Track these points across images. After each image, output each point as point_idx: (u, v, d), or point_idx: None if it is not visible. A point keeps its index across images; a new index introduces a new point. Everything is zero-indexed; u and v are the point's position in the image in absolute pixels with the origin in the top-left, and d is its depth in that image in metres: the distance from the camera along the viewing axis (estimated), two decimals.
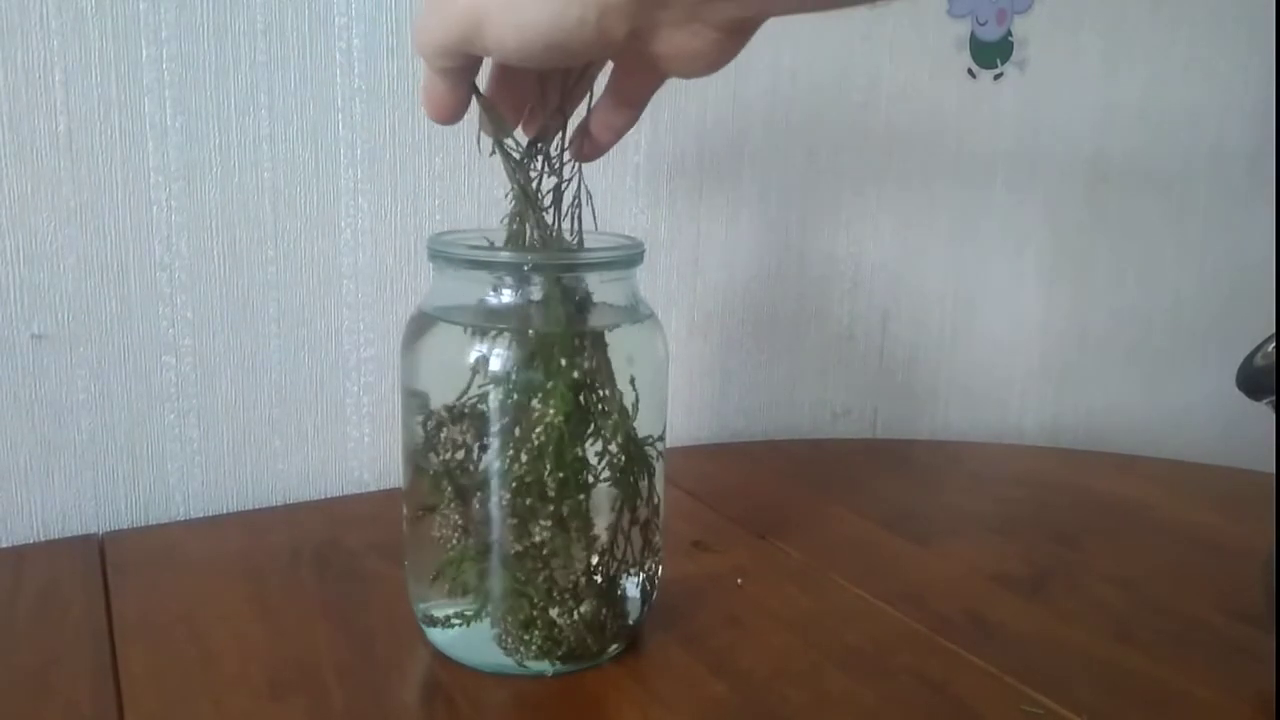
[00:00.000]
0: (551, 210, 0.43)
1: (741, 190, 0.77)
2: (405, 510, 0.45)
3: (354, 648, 0.45)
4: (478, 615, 0.42)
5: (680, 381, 0.76)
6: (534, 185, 0.42)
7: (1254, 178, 1.00)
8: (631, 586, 0.44)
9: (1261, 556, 0.50)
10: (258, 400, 0.63)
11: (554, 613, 0.41)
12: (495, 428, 0.41)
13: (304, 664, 0.44)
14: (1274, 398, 0.43)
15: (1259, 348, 0.44)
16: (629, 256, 0.43)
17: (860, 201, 0.82)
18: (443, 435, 0.41)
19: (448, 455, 0.41)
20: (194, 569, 0.53)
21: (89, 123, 0.56)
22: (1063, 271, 0.93)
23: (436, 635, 0.44)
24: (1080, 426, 0.97)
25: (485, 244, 0.43)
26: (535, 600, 0.41)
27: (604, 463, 0.42)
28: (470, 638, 0.43)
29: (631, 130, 0.43)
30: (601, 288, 0.43)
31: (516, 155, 0.42)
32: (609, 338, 0.42)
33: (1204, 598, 0.53)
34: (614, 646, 0.44)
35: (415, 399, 0.43)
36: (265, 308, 0.62)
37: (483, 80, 0.40)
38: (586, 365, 0.41)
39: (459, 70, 0.37)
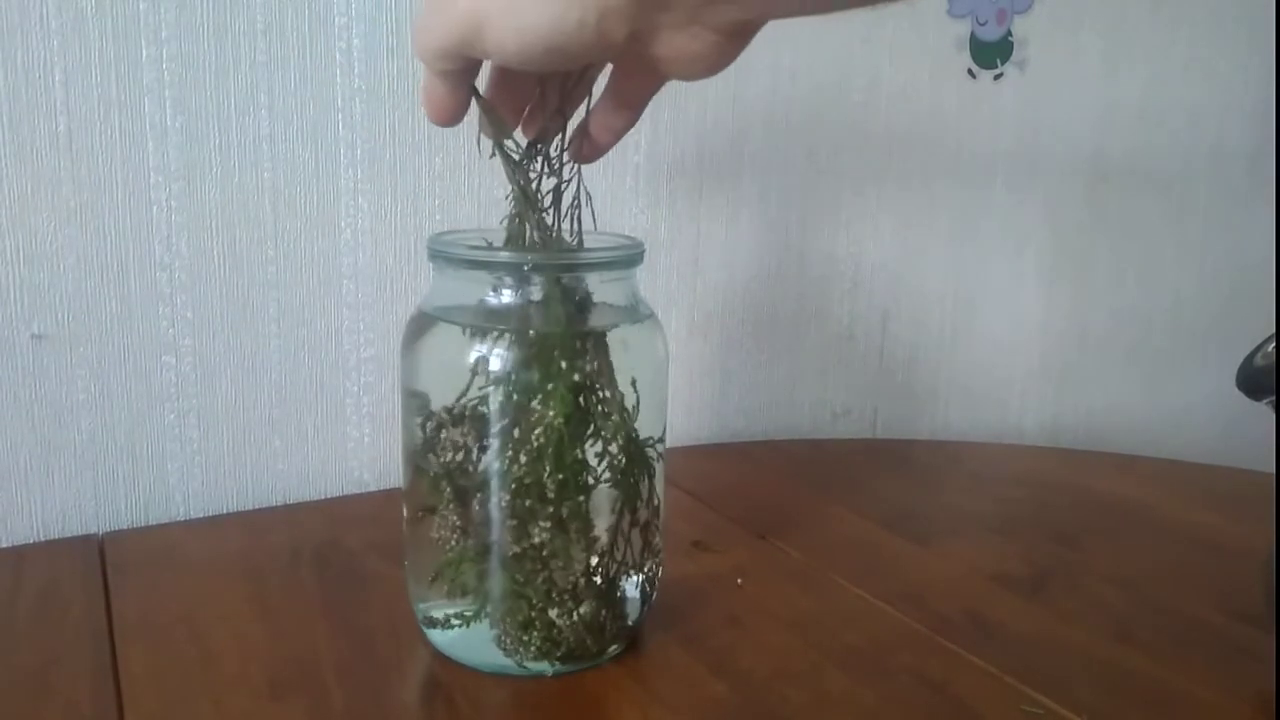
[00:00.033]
0: (551, 211, 0.43)
1: (741, 190, 0.77)
2: (405, 511, 0.45)
3: (354, 648, 0.45)
4: (477, 616, 0.42)
5: (680, 381, 0.77)
6: (534, 186, 0.42)
7: (1254, 178, 1.00)
8: (631, 587, 0.44)
9: (1261, 556, 0.50)
10: (258, 400, 0.63)
11: (553, 614, 0.41)
12: (495, 429, 0.41)
13: (304, 664, 0.44)
14: (1274, 398, 0.43)
15: (1259, 348, 0.44)
16: (629, 256, 0.43)
17: (860, 201, 0.82)
18: (442, 437, 0.41)
19: (447, 457, 0.41)
20: (194, 569, 0.53)
21: (89, 123, 0.56)
22: (1063, 271, 0.93)
23: (436, 636, 0.44)
24: (1080, 426, 0.97)
25: (484, 244, 0.43)
26: (534, 602, 0.41)
27: (604, 464, 0.42)
28: (470, 638, 0.43)
29: (631, 131, 0.43)
30: (601, 288, 0.43)
31: (516, 157, 0.42)
32: (609, 338, 0.42)
33: (1204, 598, 0.53)
34: (614, 647, 0.44)
35: (415, 399, 0.43)
36: (265, 308, 0.62)
37: (482, 82, 0.40)
38: (587, 367, 0.41)
39: (459, 73, 0.37)
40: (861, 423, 0.87)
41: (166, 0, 0.56)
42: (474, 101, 0.40)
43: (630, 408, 0.42)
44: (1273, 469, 0.67)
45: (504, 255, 0.42)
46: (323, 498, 0.65)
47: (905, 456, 0.78)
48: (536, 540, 0.40)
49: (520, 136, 0.43)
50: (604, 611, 0.43)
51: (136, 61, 0.56)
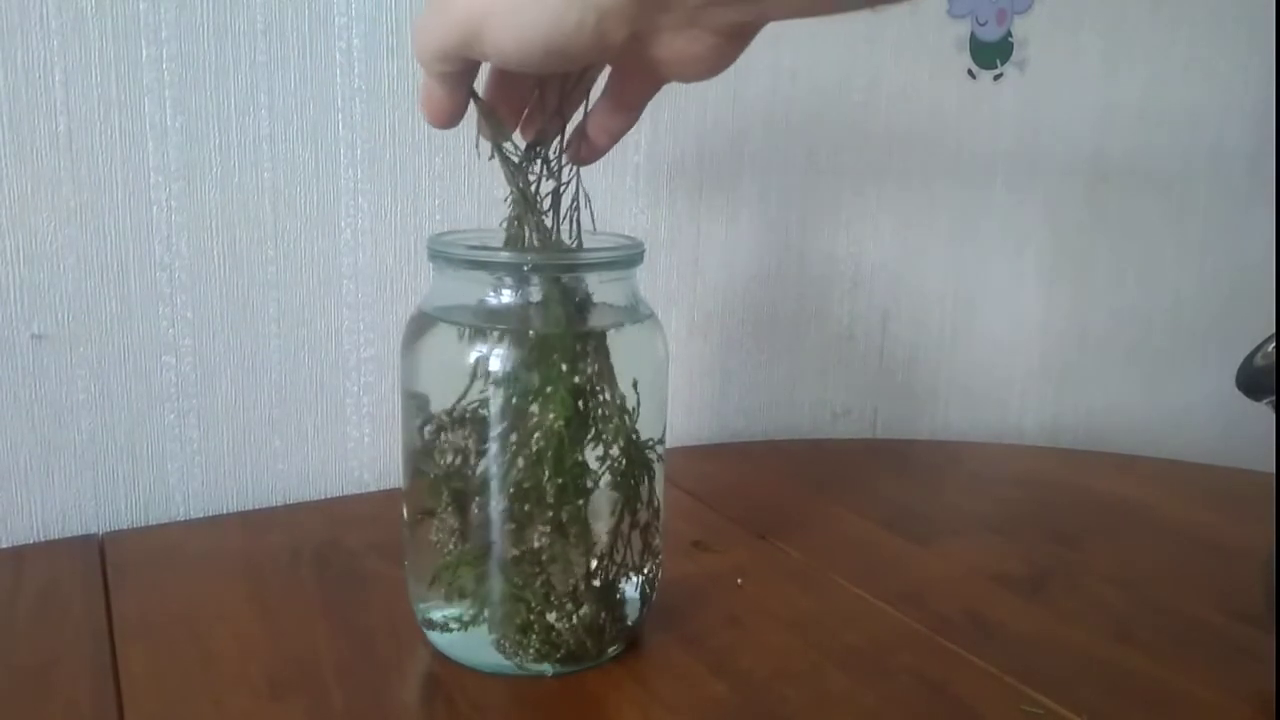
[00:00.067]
0: (550, 213, 0.43)
1: (741, 190, 0.77)
2: (405, 512, 0.45)
3: (354, 648, 0.45)
4: (475, 619, 0.42)
5: (680, 381, 0.77)
6: (533, 188, 0.42)
7: (1254, 178, 1.00)
8: (631, 589, 0.44)
9: (1261, 556, 0.50)
10: (258, 400, 0.63)
11: (551, 617, 0.41)
12: (494, 432, 0.41)
13: (304, 664, 0.44)
14: (1274, 398, 0.43)
15: (1259, 348, 0.44)
16: (629, 257, 0.43)
17: (860, 201, 0.82)
18: (442, 440, 0.41)
19: (447, 460, 0.41)
20: (194, 569, 0.53)
21: (89, 123, 0.56)
22: (1063, 271, 0.93)
23: (436, 636, 0.44)
24: (1080, 426, 0.97)
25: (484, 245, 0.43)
26: (533, 605, 0.41)
27: (604, 467, 0.42)
28: (469, 639, 0.43)
29: (631, 131, 0.43)
30: (601, 288, 0.43)
31: (515, 159, 0.42)
32: (609, 338, 0.42)
33: (1204, 598, 0.53)
34: (613, 647, 0.44)
35: (415, 400, 0.43)
36: (265, 308, 0.62)
37: (481, 83, 0.40)
38: (588, 369, 0.41)
39: (457, 75, 0.37)
40: (861, 423, 0.87)
41: (166, 0, 0.56)
42: (473, 104, 0.40)
43: (631, 410, 0.42)
44: (1273, 469, 0.67)
45: (504, 256, 0.42)
46: (323, 498, 0.65)
47: (905, 456, 0.78)
48: (535, 544, 0.40)
49: (519, 138, 0.43)
50: (603, 614, 0.43)
51: (136, 61, 0.56)
